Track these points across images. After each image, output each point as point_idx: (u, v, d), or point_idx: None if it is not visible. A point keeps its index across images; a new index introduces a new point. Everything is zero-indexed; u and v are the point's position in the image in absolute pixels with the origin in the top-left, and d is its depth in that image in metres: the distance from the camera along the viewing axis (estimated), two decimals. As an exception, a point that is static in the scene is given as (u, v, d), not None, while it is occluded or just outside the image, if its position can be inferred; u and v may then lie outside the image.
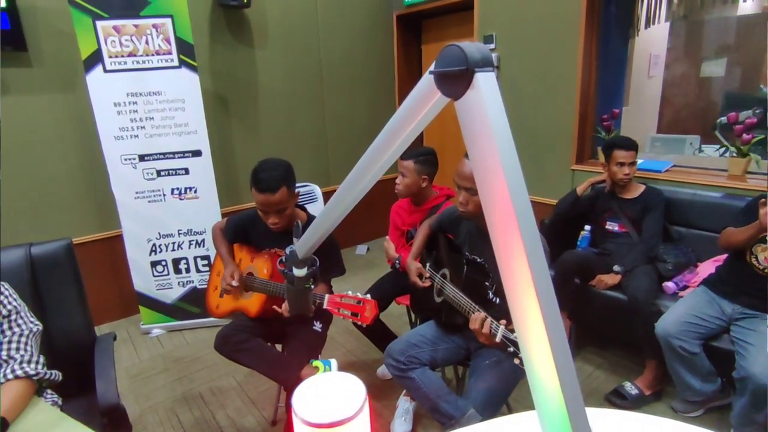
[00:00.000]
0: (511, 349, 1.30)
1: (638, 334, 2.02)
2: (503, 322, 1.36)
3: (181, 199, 2.79)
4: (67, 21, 2.51)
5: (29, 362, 1.11)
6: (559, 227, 2.56)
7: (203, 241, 2.86)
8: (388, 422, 2.00)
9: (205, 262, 2.89)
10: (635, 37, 3.17)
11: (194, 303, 2.92)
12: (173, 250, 2.84)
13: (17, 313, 1.15)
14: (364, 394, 0.55)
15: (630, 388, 2.05)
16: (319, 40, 3.66)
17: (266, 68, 3.41)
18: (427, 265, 1.80)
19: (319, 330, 1.74)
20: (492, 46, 3.32)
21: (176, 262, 2.86)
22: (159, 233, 2.81)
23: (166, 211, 2.78)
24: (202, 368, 2.50)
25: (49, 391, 1.23)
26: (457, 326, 1.65)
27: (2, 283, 1.18)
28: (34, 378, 1.10)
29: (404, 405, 1.95)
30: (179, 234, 2.83)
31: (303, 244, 0.90)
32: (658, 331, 1.87)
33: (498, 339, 1.33)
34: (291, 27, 3.48)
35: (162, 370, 2.52)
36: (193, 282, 2.91)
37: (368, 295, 1.41)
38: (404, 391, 2.01)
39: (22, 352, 1.11)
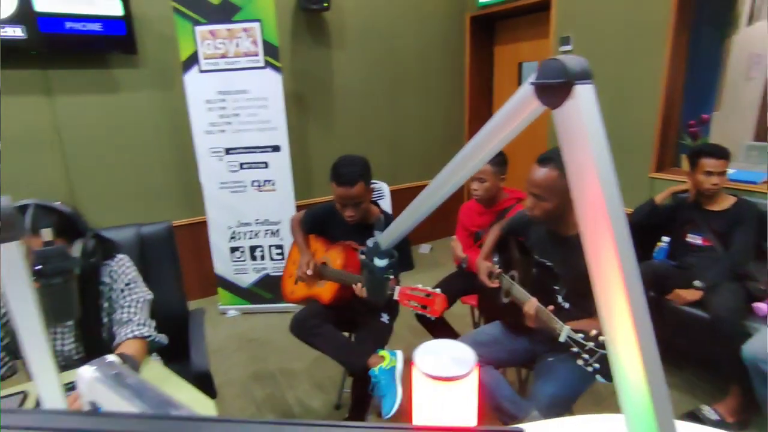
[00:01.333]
0: (575, 349, 1.30)
1: (720, 355, 1.90)
2: (551, 307, 1.37)
3: (259, 190, 2.99)
4: (171, 26, 2.79)
5: (143, 325, 1.28)
6: (634, 237, 2.45)
7: (278, 231, 3.05)
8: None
9: (279, 251, 3.08)
10: (733, 36, 2.95)
11: (267, 289, 3.13)
12: (250, 238, 3.06)
13: (135, 282, 1.34)
14: (474, 359, 0.63)
15: (709, 412, 1.93)
16: (393, 41, 3.75)
17: (342, 69, 3.56)
18: (497, 266, 1.82)
19: (386, 322, 1.82)
20: (569, 47, 3.25)
21: (253, 249, 3.08)
22: (239, 221, 3.04)
23: (246, 201, 3.01)
24: (273, 350, 2.68)
25: (155, 354, 1.41)
26: (524, 328, 1.65)
27: (124, 255, 1.37)
28: (148, 339, 1.27)
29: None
30: (256, 223, 3.05)
31: (386, 236, 0.98)
32: (746, 355, 1.75)
33: (562, 339, 1.33)
34: (367, 29, 3.60)
35: (237, 348, 2.74)
36: (266, 269, 3.11)
37: (438, 290, 1.47)
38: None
39: (138, 316, 1.29)
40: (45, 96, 2.68)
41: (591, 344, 1.17)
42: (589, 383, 1.50)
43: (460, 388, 0.59)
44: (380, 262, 1.03)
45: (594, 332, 1.20)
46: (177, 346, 1.63)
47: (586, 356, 1.17)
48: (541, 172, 1.42)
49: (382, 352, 1.67)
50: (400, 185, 4.01)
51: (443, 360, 0.61)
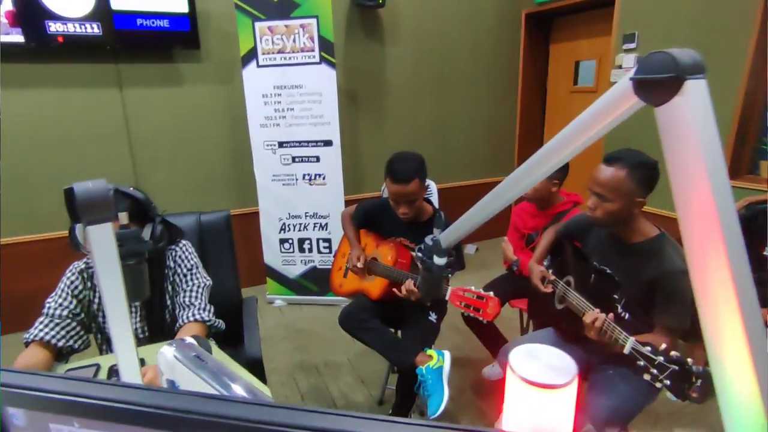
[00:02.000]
0: (642, 362, 1.23)
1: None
2: (610, 315, 1.30)
3: (310, 184, 3.05)
4: (232, 22, 2.88)
5: (204, 310, 1.33)
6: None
7: (326, 224, 3.10)
8: (491, 423, 2.00)
9: (327, 244, 3.13)
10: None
11: (313, 281, 3.19)
12: (300, 230, 3.12)
13: (196, 267, 1.39)
14: (575, 369, 0.60)
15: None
16: (445, 38, 3.71)
17: (395, 65, 3.56)
18: (550, 270, 1.76)
19: (434, 321, 1.81)
20: (633, 45, 3.09)
21: (301, 241, 3.14)
22: (289, 214, 3.11)
23: (297, 194, 3.07)
24: (317, 342, 2.73)
25: (212, 339, 1.46)
26: (579, 336, 1.59)
27: (187, 242, 1.43)
28: (207, 324, 1.32)
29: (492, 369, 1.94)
30: (306, 216, 3.10)
31: (449, 235, 0.96)
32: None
33: (627, 351, 1.27)
34: (420, 25, 3.58)
35: (283, 337, 2.80)
36: (314, 262, 3.17)
37: (491, 293, 1.43)
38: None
39: (199, 301, 1.34)
40: (116, 89, 2.84)
41: (661, 358, 1.10)
42: (650, 400, 1.42)
43: (560, 397, 0.56)
44: (439, 261, 1.02)
45: (664, 346, 1.14)
46: (231, 332, 1.69)
47: (654, 371, 1.11)
48: (608, 172, 1.35)
49: (430, 351, 1.65)
50: (447, 184, 3.97)
51: (542, 365, 0.59)
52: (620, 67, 3.18)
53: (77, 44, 2.61)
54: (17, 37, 2.48)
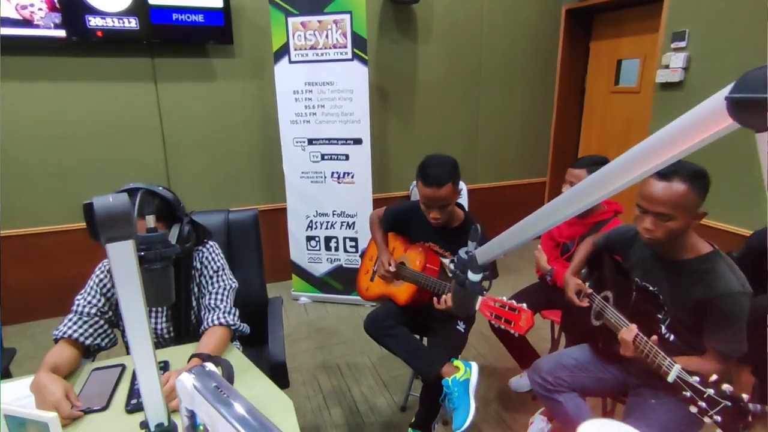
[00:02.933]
0: (688, 393, 1.14)
1: None
2: (653, 338, 1.21)
3: (339, 182, 3.01)
4: (265, 18, 2.87)
5: (229, 313, 1.31)
6: (749, 264, 2.15)
7: (353, 223, 3.06)
8: (518, 437, 1.93)
9: (353, 243, 3.10)
10: None
11: (338, 280, 3.16)
12: (326, 228, 3.10)
13: (222, 269, 1.37)
14: None
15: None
16: (481, 36, 3.60)
17: (427, 63, 3.48)
18: (587, 284, 1.67)
19: (462, 330, 1.74)
20: (683, 43, 2.92)
21: (328, 239, 3.12)
22: (316, 211, 3.09)
23: (325, 192, 3.04)
24: (340, 342, 2.70)
25: (237, 341, 1.45)
26: (617, 356, 1.50)
27: (214, 243, 1.42)
28: (232, 328, 1.30)
29: (539, 424, 1.86)
30: (333, 214, 3.08)
31: (486, 252, 0.90)
32: None
33: (671, 379, 1.17)
34: (455, 23, 3.48)
35: (306, 336, 2.79)
36: (340, 260, 3.14)
37: (524, 304, 1.36)
38: (541, 409, 1.92)
39: (224, 303, 1.32)
40: (152, 83, 2.87)
41: (711, 391, 1.01)
42: (694, 430, 1.33)
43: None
44: (474, 277, 0.96)
45: (714, 377, 1.04)
46: (256, 332, 1.67)
47: (703, 404, 1.02)
48: (667, 188, 1.23)
49: (457, 362, 1.59)
50: (477, 185, 3.87)
51: None
52: (667, 66, 3.02)
53: (115, 39, 2.65)
54: (59, 32, 2.53)
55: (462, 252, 0.99)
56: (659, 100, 3.15)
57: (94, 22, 2.57)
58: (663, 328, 1.42)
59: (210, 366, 0.52)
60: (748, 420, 0.97)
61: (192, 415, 0.54)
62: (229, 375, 0.79)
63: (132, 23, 2.64)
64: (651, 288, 1.44)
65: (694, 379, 1.09)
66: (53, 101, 2.70)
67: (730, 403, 0.99)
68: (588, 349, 1.61)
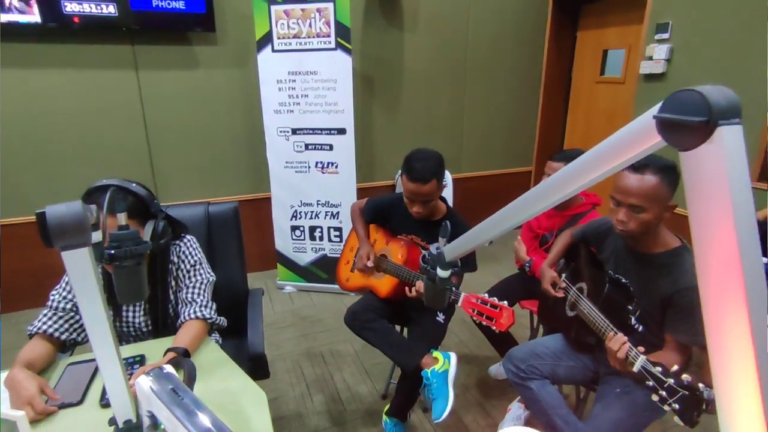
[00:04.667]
0: (651, 383, 1.18)
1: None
2: (641, 349, 1.24)
3: (323, 172, 3.01)
4: (248, 5, 2.82)
5: (206, 307, 1.33)
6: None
7: (338, 213, 3.07)
8: (496, 422, 1.98)
9: (338, 233, 3.11)
10: None
11: (323, 269, 3.18)
12: (311, 218, 3.11)
13: (200, 263, 1.38)
14: None
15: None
16: (468, 25, 3.58)
17: (413, 52, 3.46)
18: (563, 275, 1.70)
19: (442, 321, 1.77)
20: (666, 35, 2.93)
21: (312, 229, 3.13)
22: (300, 201, 3.09)
23: (309, 181, 3.04)
24: (324, 330, 2.73)
25: (215, 333, 1.46)
26: (588, 345, 1.55)
27: (191, 237, 1.42)
28: (209, 321, 1.32)
29: (517, 411, 1.91)
30: (317, 204, 3.08)
31: (454, 249, 0.92)
32: None
33: (636, 369, 1.22)
34: (442, 11, 3.46)
35: (291, 324, 2.82)
36: (324, 250, 3.16)
37: (505, 302, 1.39)
38: (519, 397, 1.97)
39: (201, 297, 1.33)
40: (132, 71, 2.83)
41: (671, 381, 1.05)
42: (656, 416, 1.38)
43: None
44: (443, 273, 0.98)
45: (675, 368, 1.08)
46: (236, 323, 1.69)
47: (663, 393, 1.06)
48: (640, 180, 1.26)
49: (436, 354, 1.63)
50: (463, 174, 3.89)
51: None
52: (650, 58, 3.04)
53: (93, 25, 2.59)
54: (33, 17, 2.47)
55: (433, 248, 1.01)
56: (642, 91, 3.17)
57: (70, 7, 2.51)
58: (633, 318, 1.46)
59: (168, 368, 0.54)
60: (702, 408, 1.02)
61: (152, 416, 0.55)
62: (189, 377, 0.80)
63: (111, 9, 2.58)
64: (623, 280, 1.48)
65: (657, 369, 1.13)
66: (31, 89, 2.65)
67: (687, 393, 1.03)
68: (562, 338, 1.65)
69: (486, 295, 1.42)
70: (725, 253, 0.37)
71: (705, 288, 0.40)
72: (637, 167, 1.26)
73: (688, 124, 0.38)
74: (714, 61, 2.67)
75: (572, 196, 1.93)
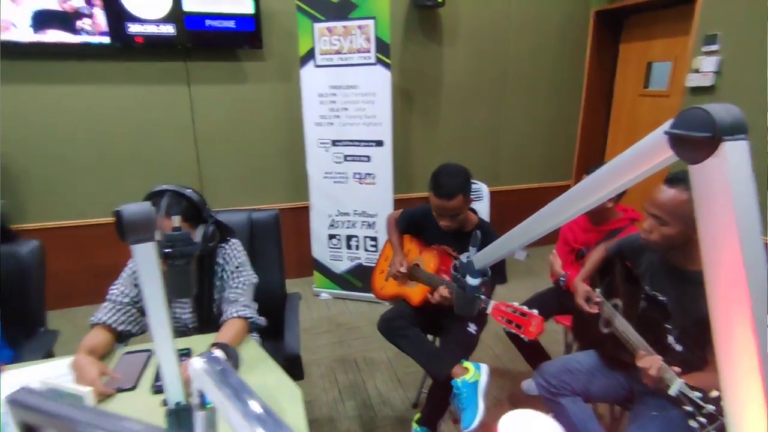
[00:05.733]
0: (689, 408, 1.15)
1: None
2: (677, 369, 1.21)
3: (360, 183, 3.09)
4: (293, 23, 2.97)
5: (247, 307, 1.41)
6: None
7: (374, 223, 3.14)
8: (527, 438, 1.96)
9: (373, 243, 3.17)
10: None
11: (358, 277, 3.25)
12: (348, 227, 3.19)
13: (243, 266, 1.47)
14: None
15: None
16: (508, 38, 3.60)
17: (452, 66, 3.51)
18: (597, 290, 1.68)
19: (474, 332, 1.79)
20: (714, 47, 2.85)
21: (349, 238, 3.21)
22: (338, 211, 3.18)
23: (347, 192, 3.13)
24: (358, 337, 2.79)
25: (255, 333, 1.54)
26: (623, 363, 1.52)
27: (236, 240, 1.52)
28: (250, 320, 1.40)
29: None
30: (354, 214, 3.16)
31: (482, 257, 0.95)
32: None
33: (672, 393, 1.19)
34: (481, 25, 3.50)
35: (326, 330, 2.89)
36: (360, 259, 3.22)
37: (535, 311, 1.39)
38: (550, 413, 1.94)
39: (244, 297, 1.42)
40: (185, 85, 3.03)
41: (711, 408, 1.03)
42: (696, 440, 1.33)
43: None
44: (472, 281, 1.02)
45: (715, 394, 1.06)
46: (274, 325, 1.76)
47: (702, 420, 1.03)
48: (669, 194, 1.26)
49: (467, 364, 1.64)
50: (501, 186, 3.88)
51: None
52: (697, 71, 2.95)
53: (153, 44, 2.81)
54: (104, 38, 2.71)
55: (463, 257, 1.05)
56: (688, 104, 3.07)
57: (133, 28, 2.73)
58: (671, 338, 1.42)
59: (218, 353, 0.60)
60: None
61: (201, 395, 0.62)
62: (234, 362, 0.87)
63: (169, 29, 2.79)
64: (660, 297, 1.45)
65: (695, 395, 1.10)
66: (96, 103, 2.89)
67: (727, 417, 1.00)
68: (595, 355, 1.63)
69: (516, 303, 1.43)
70: (731, 264, 0.40)
71: (713, 298, 0.42)
72: (672, 181, 1.26)
73: (695, 140, 0.41)
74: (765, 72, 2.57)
75: (609, 211, 1.92)
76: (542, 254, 3.82)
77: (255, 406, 0.52)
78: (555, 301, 2.08)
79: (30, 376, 1.15)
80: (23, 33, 2.58)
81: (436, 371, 1.68)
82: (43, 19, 2.60)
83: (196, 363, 0.59)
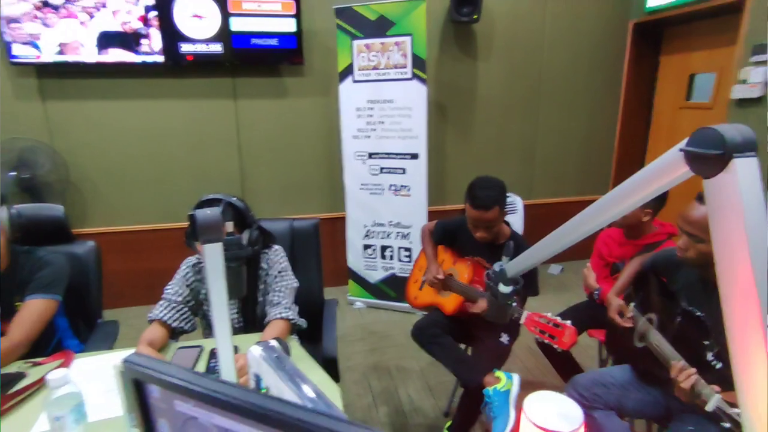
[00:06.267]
0: (727, 425, 1.14)
1: None
2: (716, 388, 1.20)
3: (396, 194, 3.17)
4: (332, 40, 3.11)
5: (289, 309, 1.50)
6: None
7: (408, 234, 3.20)
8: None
9: (408, 253, 3.23)
10: None
11: (392, 287, 3.31)
12: (383, 238, 3.26)
13: (285, 270, 1.56)
14: (581, 417, 0.63)
15: None
16: (542, 52, 3.62)
17: (486, 79, 3.56)
18: (632, 305, 1.67)
19: (506, 343, 1.81)
20: (763, 57, 2.77)
21: (384, 248, 3.28)
22: (374, 221, 3.26)
23: (382, 203, 3.21)
24: (391, 345, 2.84)
25: (295, 334, 1.63)
26: (658, 379, 1.50)
27: (279, 246, 1.61)
28: (291, 322, 1.48)
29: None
30: (389, 225, 3.23)
31: (514, 266, 1.00)
32: None
33: (710, 408, 1.18)
34: (516, 39, 3.54)
35: (360, 338, 2.95)
36: (394, 269, 3.29)
37: (569, 321, 1.41)
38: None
39: (286, 300, 1.51)
40: (232, 100, 3.21)
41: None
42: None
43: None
44: (505, 289, 1.06)
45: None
46: (312, 330, 1.85)
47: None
48: (701, 211, 1.26)
49: (499, 373, 1.66)
50: (535, 200, 3.87)
51: (552, 412, 0.63)
52: (745, 82, 2.87)
53: (202, 62, 3.00)
54: (159, 57, 2.92)
55: (496, 266, 1.10)
56: (734, 116, 3.00)
57: (185, 48, 2.94)
58: (710, 355, 1.40)
59: (273, 342, 0.68)
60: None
61: (257, 380, 0.69)
62: (285, 350, 0.95)
63: (217, 48, 2.98)
64: (698, 313, 1.43)
65: (734, 411, 1.09)
66: (150, 117, 3.11)
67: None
68: (630, 369, 1.61)
69: (549, 314, 1.45)
70: (742, 275, 0.44)
71: (728, 312, 0.46)
72: (704, 198, 1.26)
73: (708, 156, 0.45)
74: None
75: (645, 225, 1.90)
76: (576, 269, 3.78)
77: (308, 390, 0.59)
78: (588, 314, 2.06)
79: (100, 364, 1.27)
80: (89, 53, 2.82)
81: (467, 379, 1.71)
82: (106, 40, 2.83)
83: (255, 350, 0.67)
